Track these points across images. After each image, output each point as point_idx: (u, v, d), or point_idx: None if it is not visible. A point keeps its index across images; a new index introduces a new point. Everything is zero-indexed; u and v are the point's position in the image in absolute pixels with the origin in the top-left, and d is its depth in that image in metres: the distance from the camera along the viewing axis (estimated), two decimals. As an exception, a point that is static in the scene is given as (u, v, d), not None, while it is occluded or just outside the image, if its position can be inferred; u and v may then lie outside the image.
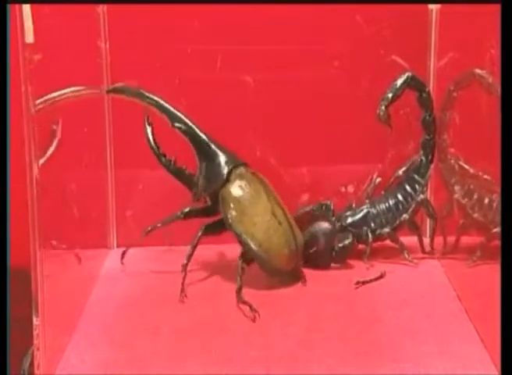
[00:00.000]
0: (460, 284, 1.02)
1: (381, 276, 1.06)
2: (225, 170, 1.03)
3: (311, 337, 0.91)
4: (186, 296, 1.00)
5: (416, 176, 1.11)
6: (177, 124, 1.03)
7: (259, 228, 1.01)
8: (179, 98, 1.13)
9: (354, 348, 0.88)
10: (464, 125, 1.06)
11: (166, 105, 1.04)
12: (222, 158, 1.03)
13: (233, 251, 1.02)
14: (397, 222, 1.11)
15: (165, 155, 1.05)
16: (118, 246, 1.18)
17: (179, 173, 1.05)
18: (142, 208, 1.17)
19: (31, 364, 0.82)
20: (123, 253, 1.10)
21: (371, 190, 1.15)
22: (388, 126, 1.08)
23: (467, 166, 1.08)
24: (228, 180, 1.03)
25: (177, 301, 0.99)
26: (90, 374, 0.84)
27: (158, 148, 1.05)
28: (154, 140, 1.06)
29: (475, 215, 1.06)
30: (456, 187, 1.08)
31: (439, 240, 1.11)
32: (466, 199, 1.07)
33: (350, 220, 1.12)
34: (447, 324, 0.93)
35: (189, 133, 1.03)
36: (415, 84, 1.08)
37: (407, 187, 1.12)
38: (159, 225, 1.06)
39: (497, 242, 0.96)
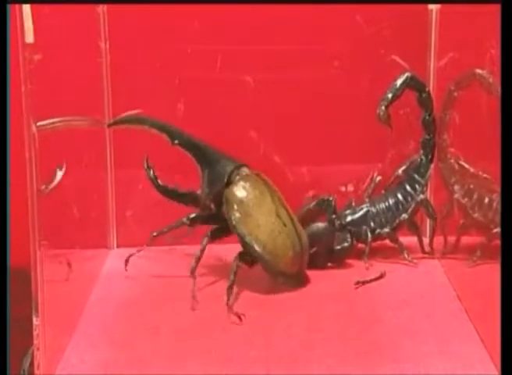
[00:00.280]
0: (460, 284, 1.02)
1: (381, 276, 1.06)
2: (228, 171, 1.03)
3: (311, 337, 0.90)
4: (197, 301, 0.98)
5: (416, 176, 1.11)
6: (176, 141, 1.04)
7: (263, 230, 1.01)
8: (179, 98, 1.13)
9: (354, 348, 0.88)
10: (464, 125, 1.06)
11: (164, 125, 1.05)
12: (224, 161, 1.04)
13: (234, 251, 1.02)
14: (397, 221, 1.11)
15: (175, 190, 1.06)
16: (118, 246, 1.18)
17: (194, 201, 1.05)
18: (142, 208, 1.17)
19: (31, 364, 0.82)
20: (127, 260, 1.07)
21: (371, 189, 1.15)
22: (388, 126, 1.08)
23: (467, 166, 1.08)
24: (232, 181, 1.03)
25: (177, 302, 0.99)
26: (90, 374, 0.84)
27: (165, 187, 1.06)
28: (157, 181, 1.06)
29: (475, 215, 1.06)
30: (456, 187, 1.08)
31: (438, 240, 1.11)
32: (466, 199, 1.07)
33: (349, 219, 1.12)
34: (447, 324, 0.93)
35: (189, 144, 1.04)
36: (415, 84, 1.08)
37: (407, 187, 1.12)
38: (165, 230, 1.06)
39: (497, 242, 0.96)
